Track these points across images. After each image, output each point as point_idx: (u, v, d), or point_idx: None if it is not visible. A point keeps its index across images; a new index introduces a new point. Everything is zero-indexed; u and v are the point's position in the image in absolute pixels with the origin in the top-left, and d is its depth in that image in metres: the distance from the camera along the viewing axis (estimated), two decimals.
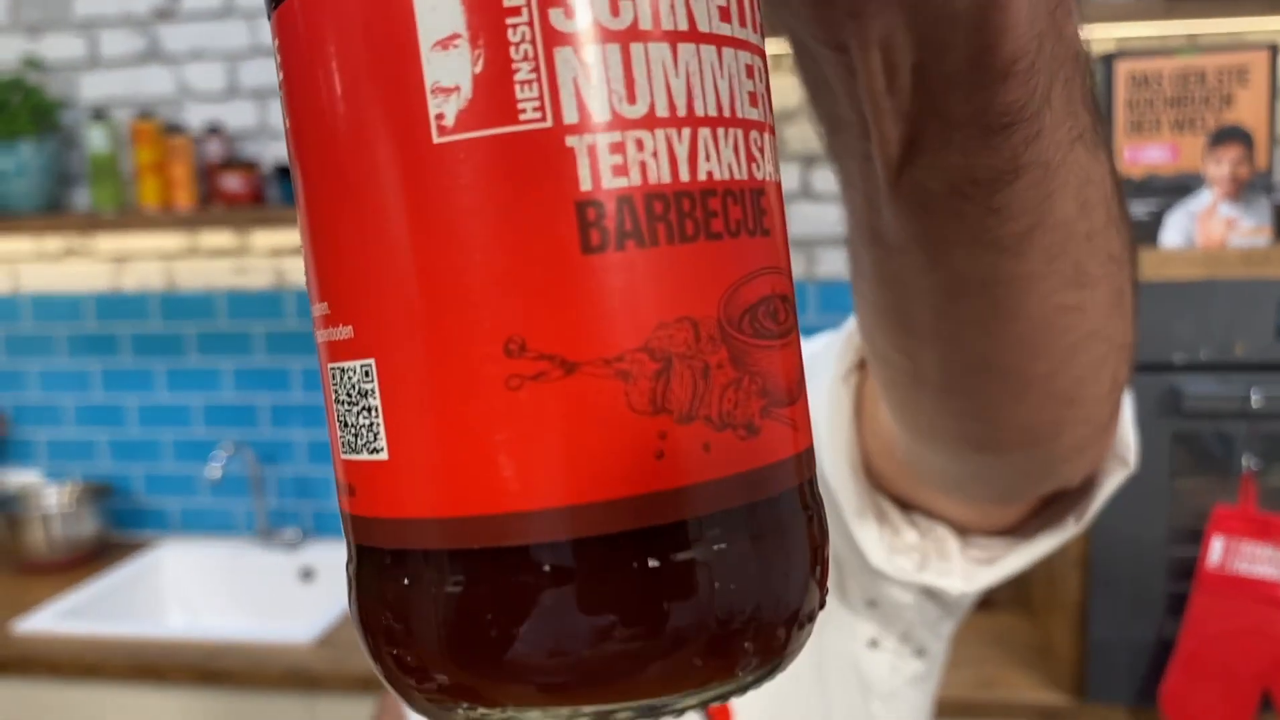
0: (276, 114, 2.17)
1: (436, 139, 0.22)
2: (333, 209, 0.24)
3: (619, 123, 0.22)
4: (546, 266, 0.22)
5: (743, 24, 0.24)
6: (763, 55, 0.25)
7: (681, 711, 0.24)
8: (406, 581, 0.24)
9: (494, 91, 0.22)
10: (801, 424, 0.25)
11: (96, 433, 2.34)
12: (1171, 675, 1.47)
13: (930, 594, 0.66)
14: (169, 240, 2.24)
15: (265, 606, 2.15)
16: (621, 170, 0.22)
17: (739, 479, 0.23)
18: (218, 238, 2.23)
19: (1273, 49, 1.48)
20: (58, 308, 2.31)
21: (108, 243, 2.27)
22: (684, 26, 0.23)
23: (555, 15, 0.22)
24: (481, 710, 0.24)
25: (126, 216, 2.09)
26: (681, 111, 0.23)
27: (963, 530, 0.60)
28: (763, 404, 0.24)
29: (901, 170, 0.32)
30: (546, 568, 0.22)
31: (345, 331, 0.24)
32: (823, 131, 0.35)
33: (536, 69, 0.22)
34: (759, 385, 0.24)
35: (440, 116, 0.22)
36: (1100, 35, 1.88)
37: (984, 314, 0.38)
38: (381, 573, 0.25)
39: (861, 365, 0.60)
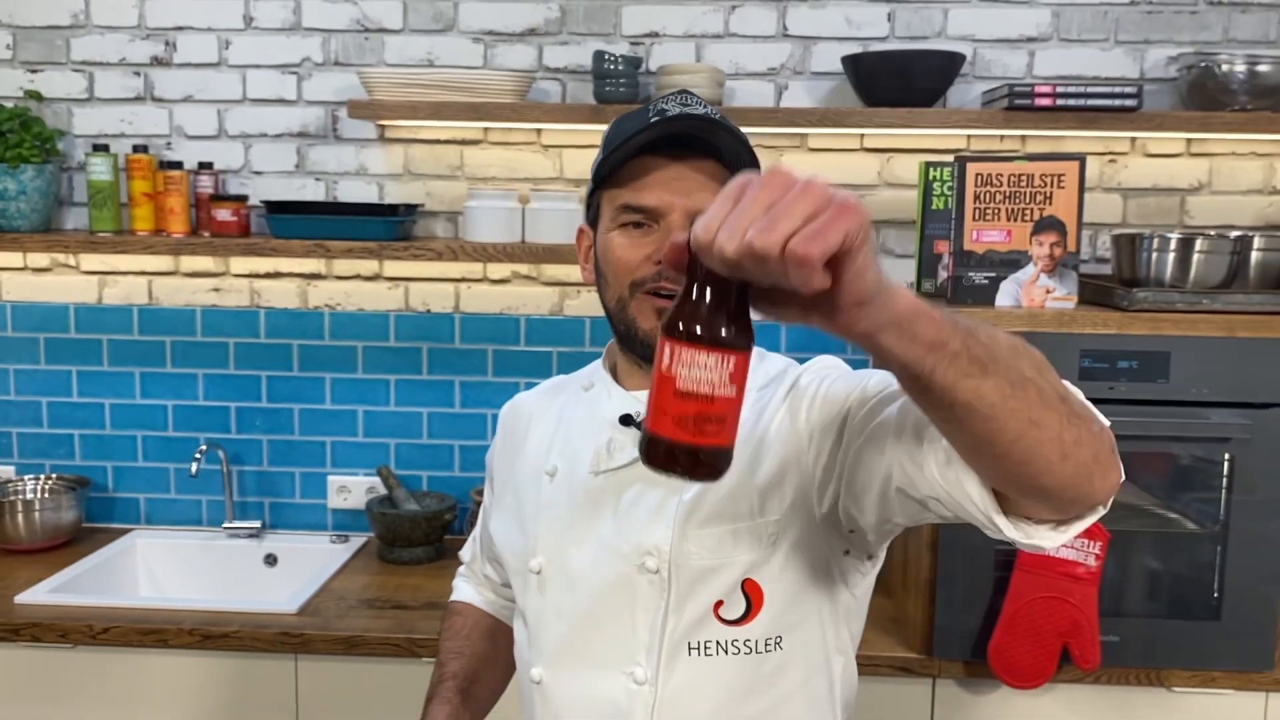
0: (258, 156, 2.47)
1: None
2: None
3: None
4: None
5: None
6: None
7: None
8: None
9: None
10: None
11: (72, 430, 2.57)
12: (996, 635, 1.90)
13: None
14: (153, 261, 2.50)
15: (235, 588, 2.41)
16: None
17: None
18: (199, 261, 2.50)
19: (1082, 160, 1.95)
20: (41, 317, 2.53)
21: (94, 262, 2.51)
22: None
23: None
24: None
25: (124, 240, 2.35)
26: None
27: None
28: None
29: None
30: None
31: None
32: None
33: None
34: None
35: None
36: (958, 141, 2.36)
37: (973, 430, 0.79)
38: None
39: None
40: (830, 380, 1.10)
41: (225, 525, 2.51)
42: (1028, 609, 1.89)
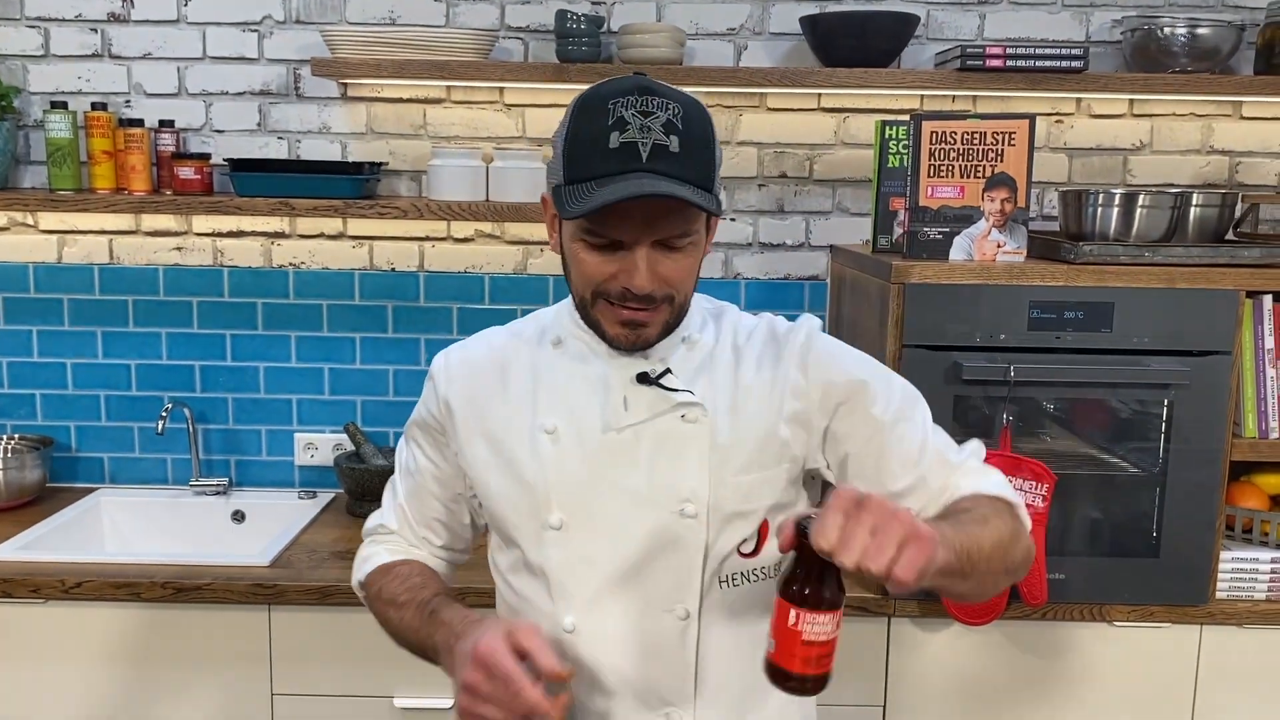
0: (220, 114, 2.47)
1: None
2: None
3: None
4: None
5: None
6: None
7: None
8: None
9: None
10: None
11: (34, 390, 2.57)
12: None
13: None
14: (114, 220, 2.49)
15: (203, 545, 2.44)
16: None
17: None
18: (161, 220, 2.50)
19: (1031, 119, 2.02)
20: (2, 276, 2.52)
21: (53, 220, 2.50)
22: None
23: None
24: None
25: (85, 198, 2.34)
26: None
27: None
28: None
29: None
30: None
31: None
32: None
33: None
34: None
35: None
36: (911, 102, 2.42)
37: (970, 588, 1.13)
38: None
39: None
40: (855, 398, 1.23)
41: (191, 483, 2.53)
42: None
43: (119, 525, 2.48)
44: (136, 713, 2.08)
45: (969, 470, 1.24)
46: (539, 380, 1.26)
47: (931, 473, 1.22)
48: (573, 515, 1.21)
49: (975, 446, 1.28)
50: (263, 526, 2.43)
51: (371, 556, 1.38)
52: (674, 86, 1.16)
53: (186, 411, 2.51)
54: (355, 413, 2.57)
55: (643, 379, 1.21)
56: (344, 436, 2.52)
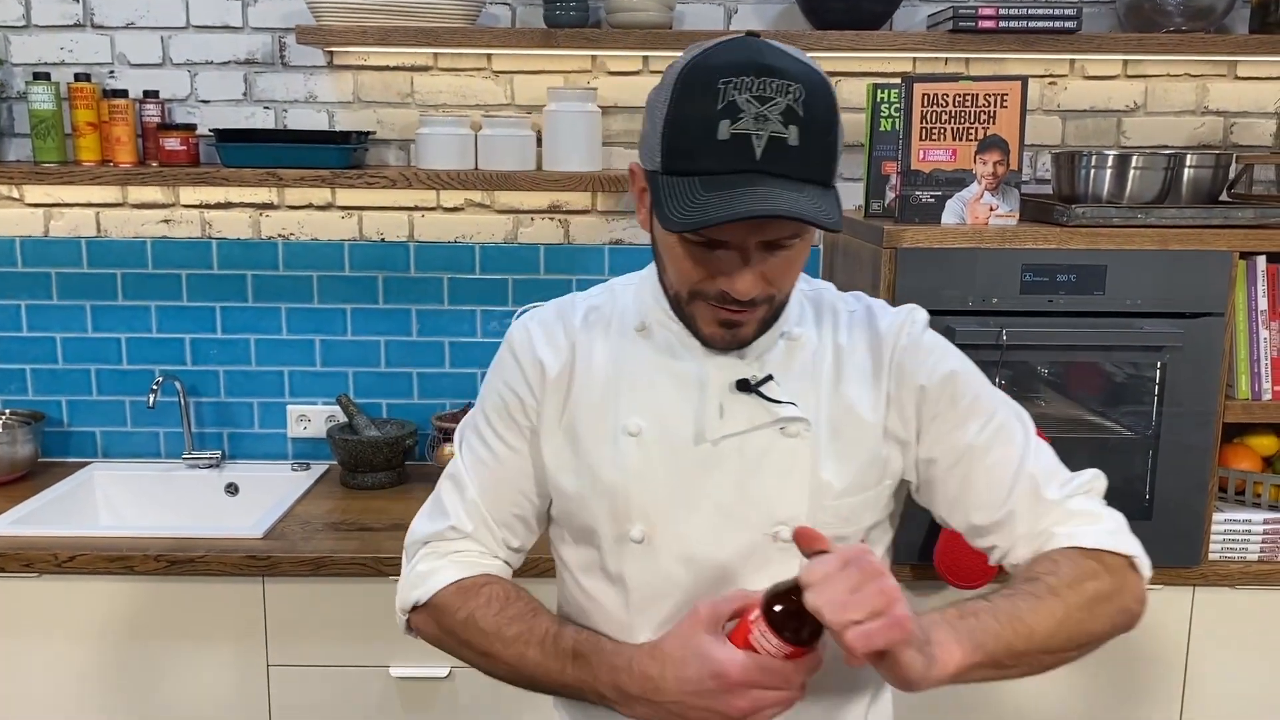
0: (205, 84, 2.44)
1: None
2: None
3: None
4: None
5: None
6: None
7: None
8: None
9: None
10: None
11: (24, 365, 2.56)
12: (941, 540, 1.99)
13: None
14: (100, 193, 2.47)
15: (197, 517, 2.44)
16: None
17: None
18: (148, 192, 2.47)
19: (1024, 80, 2.00)
20: None
21: (39, 194, 2.48)
22: None
23: None
24: None
25: (70, 170, 2.32)
26: None
27: None
28: None
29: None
30: None
31: None
32: None
33: None
34: None
35: None
36: (903, 65, 2.40)
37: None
38: None
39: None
40: (953, 427, 1.13)
41: (184, 456, 2.52)
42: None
43: (112, 499, 2.48)
44: (131, 686, 2.08)
45: (1070, 515, 1.09)
46: (622, 370, 1.13)
47: (1021, 509, 1.09)
48: (656, 528, 1.10)
49: (1089, 478, 1.13)
50: (256, 499, 2.43)
51: (435, 573, 1.16)
52: (794, 53, 1.00)
53: (178, 385, 2.50)
54: (347, 384, 2.56)
55: (742, 386, 1.10)
56: (336, 408, 2.51)
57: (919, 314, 1.17)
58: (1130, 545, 1.08)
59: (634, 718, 1.03)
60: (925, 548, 2.02)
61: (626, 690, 1.01)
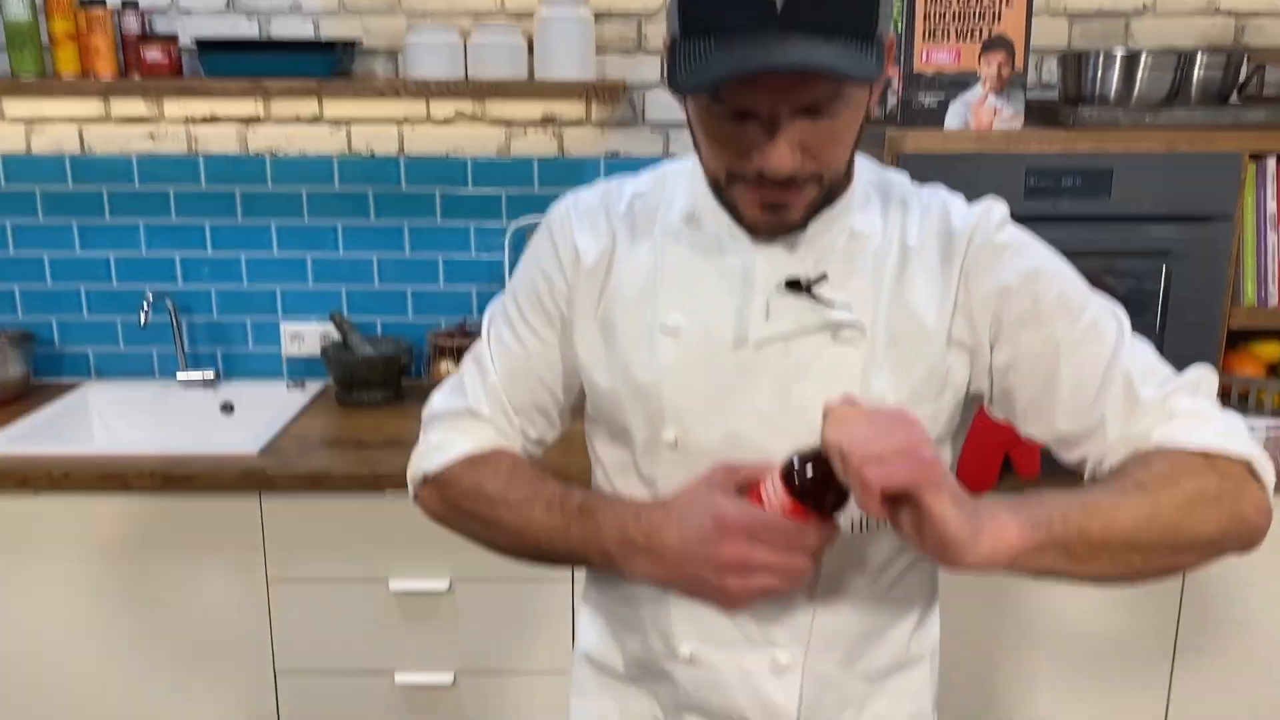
0: None
1: None
2: None
3: None
4: None
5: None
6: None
7: None
8: None
9: None
10: None
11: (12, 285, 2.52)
12: None
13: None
14: (82, 106, 2.41)
15: (193, 436, 2.42)
16: None
17: None
18: (131, 106, 2.41)
19: None
20: None
21: (18, 108, 2.42)
22: None
23: None
24: None
25: (48, 83, 2.26)
26: None
27: None
28: None
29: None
30: None
31: None
32: None
33: None
34: None
35: None
36: None
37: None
38: None
39: None
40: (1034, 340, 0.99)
41: (179, 376, 2.50)
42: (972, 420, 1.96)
43: (106, 418, 2.46)
44: (131, 602, 2.09)
45: (1172, 415, 0.94)
46: (664, 264, 1.05)
47: (1113, 412, 0.95)
48: (690, 434, 1.02)
49: (1195, 377, 0.97)
50: (252, 417, 2.41)
51: (446, 444, 1.11)
52: None
53: (169, 304, 2.47)
54: (340, 302, 2.53)
55: (793, 285, 1.00)
56: (331, 326, 2.48)
57: (997, 208, 1.04)
58: (1246, 447, 0.93)
59: (635, 576, 0.98)
60: None
61: (630, 539, 0.96)
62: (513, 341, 1.12)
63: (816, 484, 0.86)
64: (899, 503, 0.79)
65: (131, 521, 2.05)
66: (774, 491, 0.88)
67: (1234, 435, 0.93)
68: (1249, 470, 0.92)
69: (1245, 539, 0.92)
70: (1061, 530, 0.84)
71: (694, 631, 1.07)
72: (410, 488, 1.15)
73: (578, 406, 1.16)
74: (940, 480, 0.78)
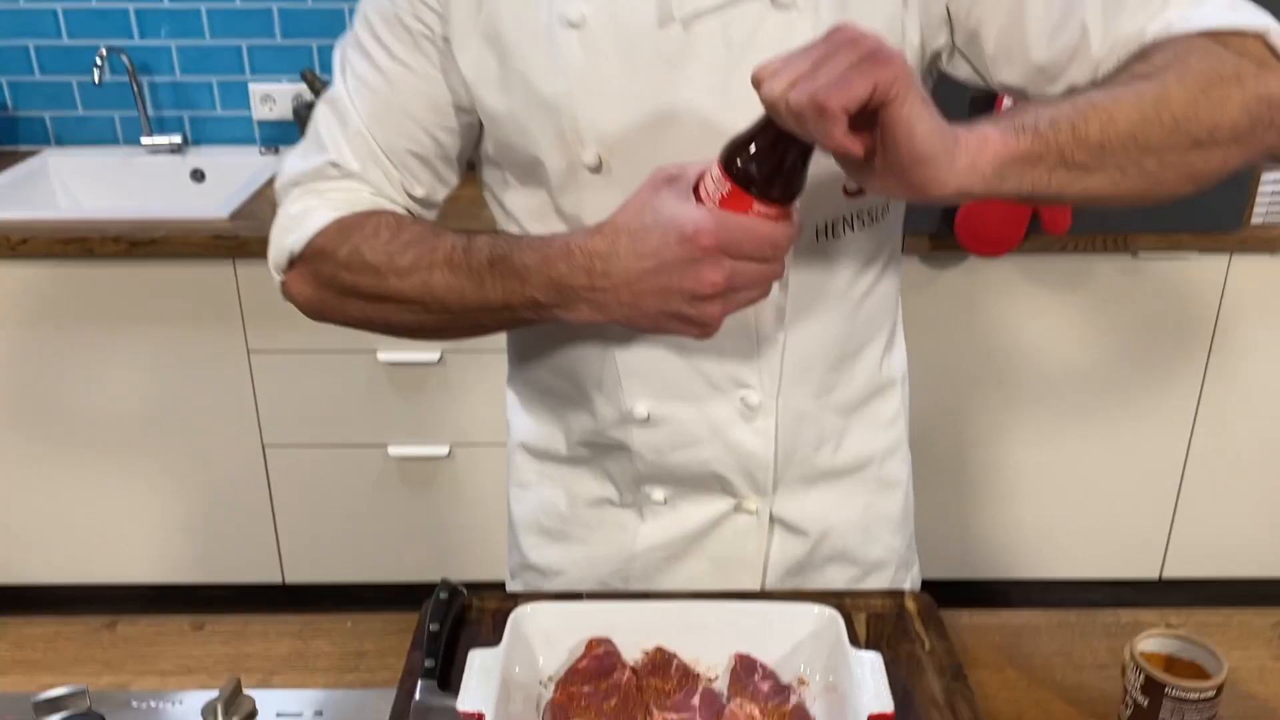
0: None
1: None
2: None
3: None
4: None
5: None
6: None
7: None
8: None
9: None
10: None
11: None
12: (964, 208, 1.84)
13: None
14: None
15: (162, 202, 2.28)
16: None
17: None
18: None
19: None
20: None
21: None
22: None
23: None
24: None
25: None
26: None
27: None
28: None
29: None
30: None
31: None
32: None
33: None
34: None
35: None
36: None
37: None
38: None
39: None
40: None
41: (143, 141, 2.33)
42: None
43: (69, 185, 2.31)
44: (99, 370, 2.00)
45: (1166, 4, 0.78)
46: None
47: (1094, 20, 0.79)
48: (615, 150, 0.84)
49: None
50: (223, 183, 2.26)
51: (309, 212, 0.89)
52: None
53: (125, 60, 2.27)
54: (312, 58, 2.33)
55: None
56: (302, 86, 2.30)
57: None
58: (1258, 17, 0.77)
59: (578, 319, 0.79)
60: (946, 213, 1.87)
61: (567, 283, 0.76)
62: (372, 76, 0.89)
63: (765, 162, 0.70)
64: (865, 132, 0.65)
65: (95, 289, 1.93)
66: (714, 184, 0.71)
67: (1241, 7, 0.78)
68: (1266, 45, 0.77)
69: (1269, 119, 0.75)
70: (1052, 134, 0.70)
71: (648, 388, 0.93)
72: (275, 276, 0.92)
73: (465, 154, 0.95)
74: (909, 78, 0.63)
